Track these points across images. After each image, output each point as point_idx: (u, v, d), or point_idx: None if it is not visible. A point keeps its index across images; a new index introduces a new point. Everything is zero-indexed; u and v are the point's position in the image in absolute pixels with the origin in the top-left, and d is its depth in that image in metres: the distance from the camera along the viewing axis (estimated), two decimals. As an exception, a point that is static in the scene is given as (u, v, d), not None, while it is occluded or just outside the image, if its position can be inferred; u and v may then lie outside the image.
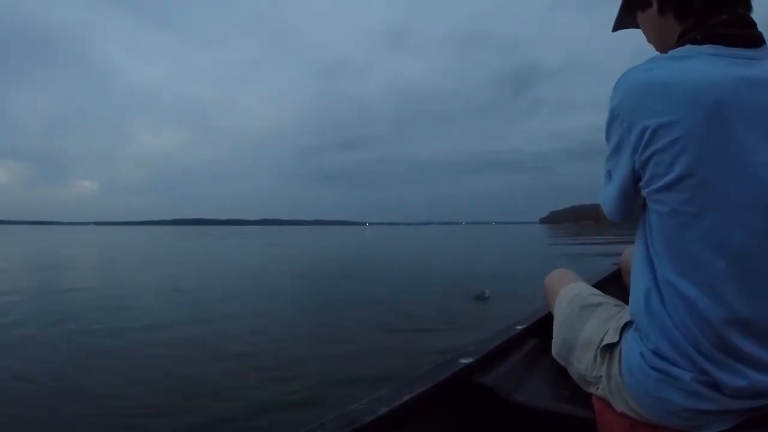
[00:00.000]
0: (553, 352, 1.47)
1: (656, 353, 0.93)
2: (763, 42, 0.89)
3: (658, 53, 1.05)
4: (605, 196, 1.05)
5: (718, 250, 0.84)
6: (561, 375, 1.57)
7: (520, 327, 1.97)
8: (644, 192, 0.94)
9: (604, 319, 1.19)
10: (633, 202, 1.00)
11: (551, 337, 2.00)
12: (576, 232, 59.30)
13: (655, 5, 1.03)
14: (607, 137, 0.98)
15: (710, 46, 0.89)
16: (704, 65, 0.85)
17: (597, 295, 1.36)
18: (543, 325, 2.10)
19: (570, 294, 1.44)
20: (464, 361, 1.55)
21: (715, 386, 0.87)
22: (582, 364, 1.24)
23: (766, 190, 0.82)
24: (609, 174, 1.02)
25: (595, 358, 1.17)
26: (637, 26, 1.17)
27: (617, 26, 1.24)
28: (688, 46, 0.91)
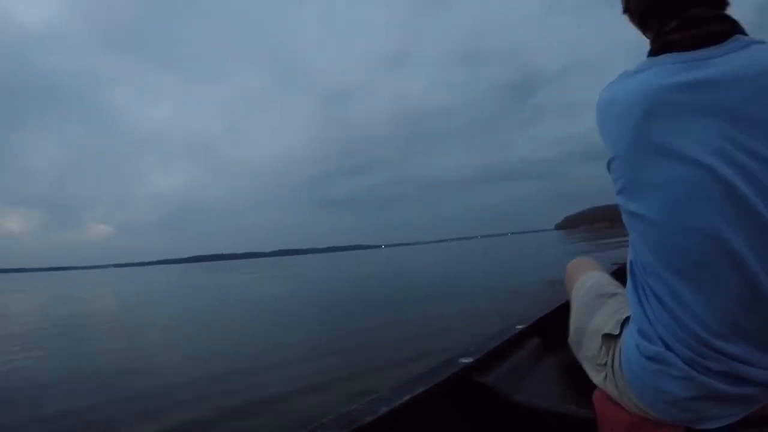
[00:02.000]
0: (569, 339, 1.46)
1: (648, 345, 0.94)
2: (727, 35, 0.88)
3: None
4: None
5: (676, 248, 0.88)
6: (561, 374, 1.58)
7: (520, 327, 1.98)
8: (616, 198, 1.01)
9: (615, 310, 1.18)
10: None
11: (552, 337, 2.02)
12: (592, 235, 58.58)
13: (627, 14, 1.08)
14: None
15: (665, 55, 0.92)
16: (649, 77, 0.90)
17: (614, 286, 1.33)
18: (543, 325, 2.14)
19: (589, 282, 1.41)
20: (464, 360, 1.56)
21: (706, 374, 0.87)
22: (590, 351, 1.23)
23: (699, 187, 0.84)
24: None
25: (601, 347, 1.17)
26: None
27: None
28: (646, 59, 0.96)
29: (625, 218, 0.99)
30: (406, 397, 1.28)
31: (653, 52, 0.96)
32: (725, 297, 0.85)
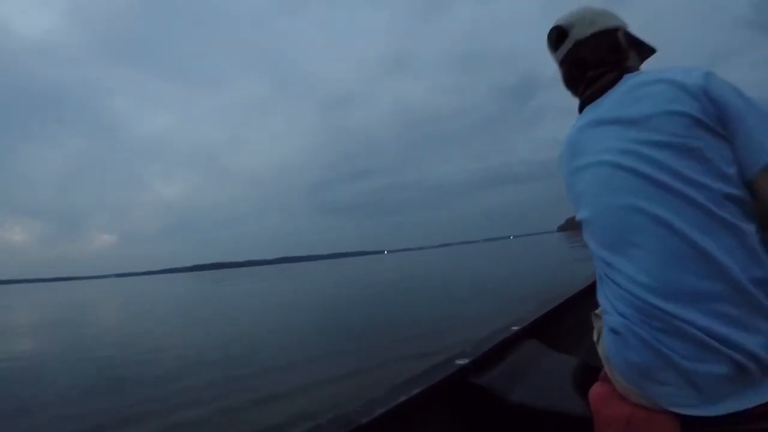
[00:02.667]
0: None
1: (610, 318, 1.05)
2: (615, 82, 1.20)
3: None
4: None
5: (604, 228, 1.10)
6: (557, 375, 1.59)
7: (515, 328, 1.99)
8: None
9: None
10: None
11: (547, 338, 2.05)
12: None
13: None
14: None
15: (585, 110, 1.24)
16: (573, 128, 1.25)
17: None
18: (538, 326, 2.16)
19: None
20: (460, 362, 1.58)
21: (657, 336, 0.95)
22: (595, 330, 1.30)
23: (610, 177, 1.09)
24: None
25: (594, 328, 1.24)
26: None
27: None
28: (578, 116, 1.27)
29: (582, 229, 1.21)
30: (402, 398, 1.29)
31: (579, 111, 1.28)
32: (659, 259, 0.97)
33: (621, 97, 1.14)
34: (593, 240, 1.13)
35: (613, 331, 1.04)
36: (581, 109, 1.27)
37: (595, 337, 1.21)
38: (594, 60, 1.25)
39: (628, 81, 1.16)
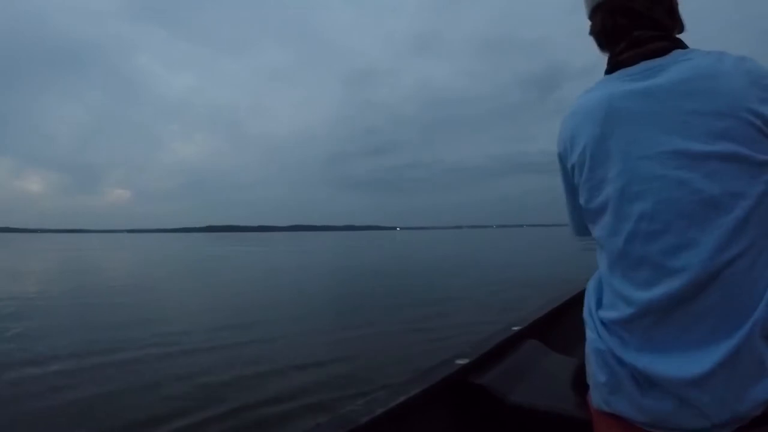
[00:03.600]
0: None
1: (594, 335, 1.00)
2: (668, 49, 0.98)
3: None
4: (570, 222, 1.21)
5: (614, 237, 0.95)
6: (556, 376, 1.58)
7: (516, 328, 1.99)
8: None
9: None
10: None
11: (548, 338, 2.05)
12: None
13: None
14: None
15: (617, 72, 1.01)
16: (603, 90, 1.00)
17: None
18: (540, 326, 2.16)
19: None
20: (460, 361, 1.57)
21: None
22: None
23: (646, 184, 0.91)
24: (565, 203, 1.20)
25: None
26: None
27: None
28: (602, 78, 1.05)
29: (587, 217, 1.06)
30: (402, 398, 1.29)
31: (607, 72, 1.06)
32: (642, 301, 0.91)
33: (687, 79, 0.91)
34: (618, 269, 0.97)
35: (592, 350, 1.02)
36: (612, 71, 1.04)
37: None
38: (647, 17, 1.03)
39: (695, 57, 0.94)
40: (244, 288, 11.87)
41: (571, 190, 1.11)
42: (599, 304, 1.02)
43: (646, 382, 0.90)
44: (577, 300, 2.75)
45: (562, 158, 1.09)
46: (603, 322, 0.98)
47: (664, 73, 0.95)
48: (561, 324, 2.44)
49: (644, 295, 0.90)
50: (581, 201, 1.05)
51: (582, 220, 1.11)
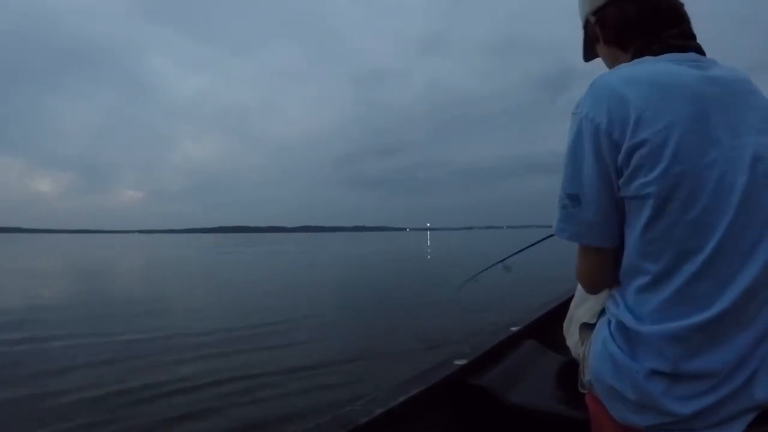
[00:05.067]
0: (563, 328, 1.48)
1: (617, 337, 0.95)
2: (704, 53, 1.00)
3: None
4: (574, 223, 0.99)
5: (692, 238, 0.86)
6: (555, 376, 1.59)
7: (515, 328, 2.00)
8: (625, 189, 0.91)
9: (598, 302, 1.15)
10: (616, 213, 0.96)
11: (546, 339, 2.04)
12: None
13: (601, 40, 1.14)
14: (577, 151, 0.95)
15: (668, 54, 0.97)
16: (668, 66, 0.93)
17: None
18: (538, 327, 2.17)
19: None
20: (459, 362, 1.58)
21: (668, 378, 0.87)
22: (572, 340, 1.29)
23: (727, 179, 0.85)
24: (575, 197, 0.97)
25: (579, 338, 1.20)
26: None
27: (587, 56, 1.29)
28: (647, 57, 0.99)
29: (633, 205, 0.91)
30: (401, 399, 1.30)
31: (653, 52, 1.00)
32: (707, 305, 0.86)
33: (737, 80, 0.93)
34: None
35: (608, 353, 0.99)
36: (654, 53, 0.99)
37: (578, 342, 1.19)
38: (685, 22, 1.04)
39: (723, 66, 0.96)
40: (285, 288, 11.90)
41: (606, 176, 0.92)
42: (640, 314, 0.92)
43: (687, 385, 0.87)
44: None
45: (606, 132, 0.90)
46: (642, 336, 0.90)
47: (714, 69, 0.94)
48: (559, 324, 2.38)
49: (732, 293, 0.85)
50: (633, 188, 0.89)
51: (613, 218, 0.95)
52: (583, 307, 1.26)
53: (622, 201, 0.92)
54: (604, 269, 1.01)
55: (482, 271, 2.45)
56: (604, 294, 1.12)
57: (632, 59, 1.03)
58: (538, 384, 1.59)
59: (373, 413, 1.20)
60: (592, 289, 1.08)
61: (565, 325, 1.41)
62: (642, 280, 0.91)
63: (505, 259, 2.34)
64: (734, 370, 0.86)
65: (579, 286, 1.36)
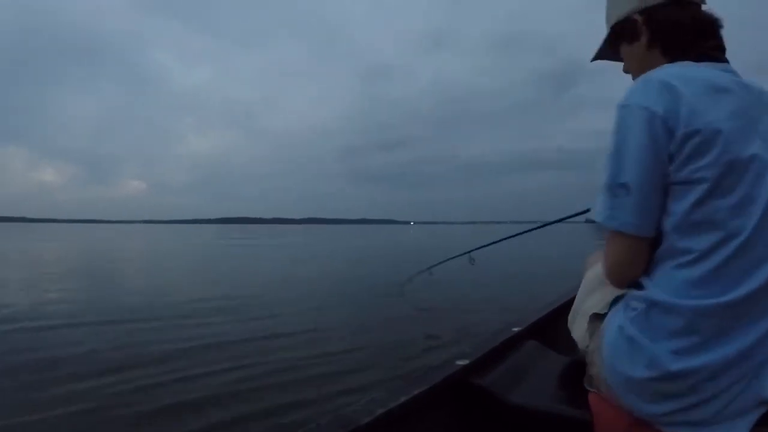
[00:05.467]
0: (568, 322, 1.52)
1: (637, 321, 0.99)
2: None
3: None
4: (624, 212, 1.02)
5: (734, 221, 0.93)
6: (558, 376, 1.60)
7: (516, 329, 2.00)
8: (676, 174, 0.98)
9: (607, 293, 1.20)
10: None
11: (548, 338, 2.06)
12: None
13: (643, 39, 1.17)
14: (628, 140, 1.00)
15: (708, 63, 1.06)
16: (713, 71, 1.03)
17: None
18: (540, 327, 2.18)
19: (597, 269, 1.40)
20: (461, 362, 1.59)
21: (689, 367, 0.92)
22: (578, 333, 1.31)
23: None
24: (625, 186, 1.00)
25: (586, 330, 1.22)
26: (616, 59, 1.29)
27: (597, 56, 1.33)
28: (687, 62, 1.07)
29: (679, 191, 0.98)
30: (402, 399, 1.30)
31: (675, 57, 1.11)
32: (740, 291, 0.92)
33: (763, 92, 1.05)
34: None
35: (628, 339, 1.02)
36: (694, 59, 1.08)
37: (585, 334, 1.21)
38: (720, 36, 1.13)
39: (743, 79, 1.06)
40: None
41: (657, 163, 0.98)
42: (675, 290, 0.96)
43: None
44: None
45: (662, 119, 0.96)
46: (676, 310, 0.94)
47: (747, 81, 1.04)
48: (561, 324, 2.39)
49: (760, 277, 0.92)
50: (684, 172, 0.96)
51: (657, 206, 1.00)
52: (591, 299, 1.30)
53: (665, 188, 0.99)
54: (641, 258, 1.04)
55: (446, 260, 2.45)
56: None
57: (668, 63, 1.11)
58: (539, 384, 1.59)
59: (374, 413, 1.20)
60: (625, 280, 1.09)
61: (570, 318, 1.44)
62: (681, 259, 0.96)
63: (471, 251, 2.34)
64: (746, 358, 0.91)
65: (585, 280, 1.44)
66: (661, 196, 0.99)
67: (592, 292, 1.31)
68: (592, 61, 1.34)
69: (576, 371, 1.48)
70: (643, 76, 1.04)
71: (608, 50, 1.29)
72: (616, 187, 1.01)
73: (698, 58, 1.07)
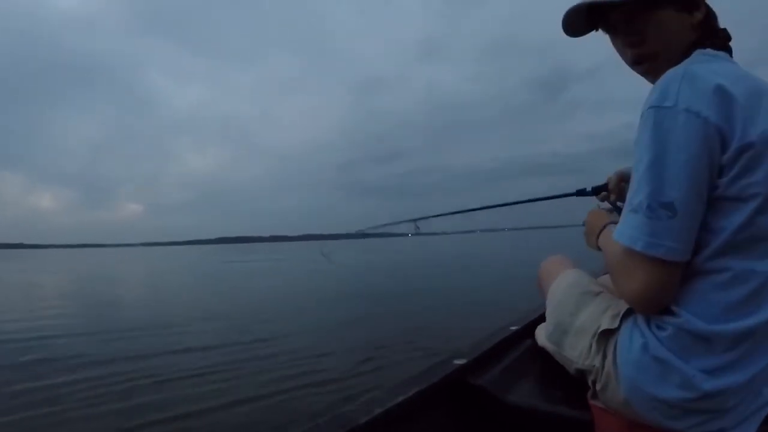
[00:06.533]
0: (544, 336, 1.46)
1: (668, 342, 0.92)
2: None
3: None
4: (669, 237, 0.86)
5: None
6: (556, 375, 1.57)
7: (514, 328, 2.00)
8: (726, 189, 0.87)
9: (604, 307, 1.14)
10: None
11: None
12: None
13: (699, 13, 1.02)
14: (671, 151, 0.85)
15: (725, 54, 0.98)
16: (745, 71, 0.93)
17: (595, 284, 1.29)
18: (537, 326, 2.16)
19: (569, 279, 1.36)
20: (458, 362, 1.58)
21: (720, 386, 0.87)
22: (575, 350, 1.19)
23: None
24: (670, 206, 0.85)
25: (591, 347, 1.11)
26: (609, 29, 1.11)
27: (589, 26, 1.14)
28: (710, 50, 0.97)
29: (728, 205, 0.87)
30: (400, 398, 1.30)
31: (716, 47, 0.99)
32: None
33: None
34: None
35: (657, 360, 0.95)
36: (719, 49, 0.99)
37: (591, 351, 1.11)
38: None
39: None
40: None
41: (705, 176, 0.85)
42: (711, 313, 0.88)
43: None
44: None
45: (716, 126, 0.84)
46: (714, 335, 0.88)
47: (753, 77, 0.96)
48: None
49: None
50: (736, 187, 0.85)
51: (697, 226, 0.88)
52: (586, 314, 1.19)
53: (706, 204, 0.87)
54: (676, 283, 0.91)
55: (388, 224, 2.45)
56: (606, 301, 1.16)
57: (694, 45, 0.99)
58: (537, 384, 1.59)
59: (373, 413, 1.20)
60: (658, 307, 0.94)
61: (554, 337, 1.31)
62: (717, 279, 0.88)
63: (417, 219, 2.31)
64: None
65: (559, 292, 1.35)
66: (701, 215, 0.87)
67: (583, 308, 1.22)
68: (574, 36, 1.16)
69: (574, 371, 1.49)
70: (680, 71, 0.89)
71: (615, 16, 1.07)
72: (659, 207, 0.85)
73: (724, 47, 0.99)
